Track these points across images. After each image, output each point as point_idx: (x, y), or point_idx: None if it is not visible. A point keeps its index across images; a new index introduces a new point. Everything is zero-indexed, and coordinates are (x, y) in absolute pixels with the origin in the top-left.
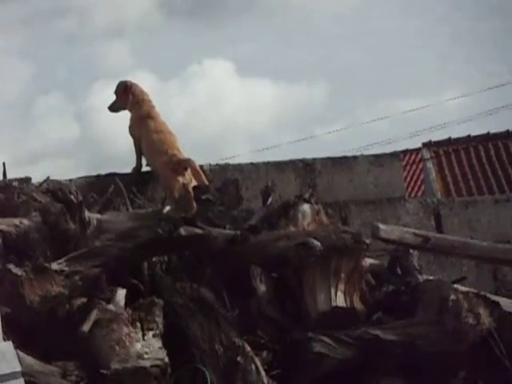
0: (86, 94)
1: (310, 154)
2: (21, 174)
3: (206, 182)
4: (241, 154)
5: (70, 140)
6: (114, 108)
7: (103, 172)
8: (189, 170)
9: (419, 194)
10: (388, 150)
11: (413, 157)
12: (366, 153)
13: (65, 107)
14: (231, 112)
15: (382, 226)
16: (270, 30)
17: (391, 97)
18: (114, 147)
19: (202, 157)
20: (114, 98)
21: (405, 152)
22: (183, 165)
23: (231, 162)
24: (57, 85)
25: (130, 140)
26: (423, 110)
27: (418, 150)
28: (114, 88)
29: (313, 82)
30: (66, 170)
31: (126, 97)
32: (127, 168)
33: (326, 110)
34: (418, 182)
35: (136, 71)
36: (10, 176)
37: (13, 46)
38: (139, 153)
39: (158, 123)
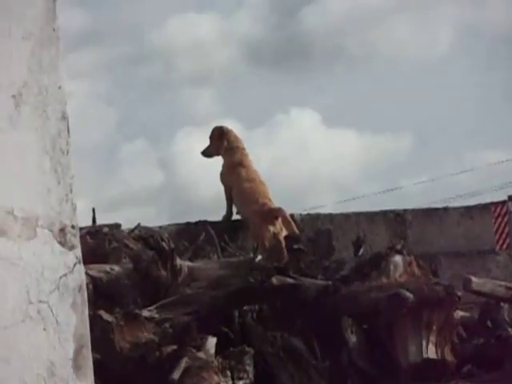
0: (171, 141)
1: (396, 205)
2: (105, 220)
3: (297, 232)
4: (327, 204)
5: (153, 187)
6: (207, 153)
7: (188, 219)
8: (280, 220)
9: (504, 246)
10: (472, 202)
11: (498, 210)
12: (450, 205)
13: (149, 154)
14: (317, 162)
15: (474, 279)
16: (356, 80)
17: (477, 149)
18: (196, 195)
19: (287, 206)
20: (201, 144)
21: (490, 204)
22: (274, 214)
23: (320, 211)
24: (141, 131)
25: (214, 188)
26: (509, 162)
27: (503, 203)
28: (199, 135)
29: (398, 133)
30: (150, 216)
31: (221, 142)
32: (210, 216)
33: (410, 162)
34: (504, 235)
35: (222, 119)
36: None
37: (98, 91)
38: (230, 200)
39: (251, 172)
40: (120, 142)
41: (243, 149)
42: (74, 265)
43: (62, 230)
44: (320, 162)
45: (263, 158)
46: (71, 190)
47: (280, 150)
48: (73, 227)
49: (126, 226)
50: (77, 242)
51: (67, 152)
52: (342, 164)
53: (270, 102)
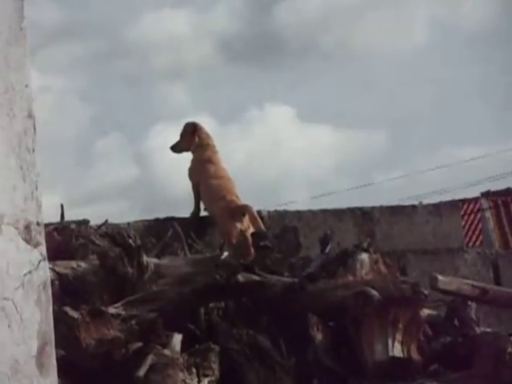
0: (146, 136)
1: (369, 201)
2: (78, 215)
3: (264, 229)
4: (299, 199)
5: (127, 181)
6: (176, 149)
7: (160, 215)
8: (247, 216)
9: (477, 243)
10: (446, 199)
11: (471, 206)
12: (424, 201)
13: (124, 148)
14: (291, 157)
15: (440, 277)
16: (331, 76)
17: (451, 146)
18: (171, 190)
19: (260, 201)
20: (175, 139)
21: (463, 201)
22: (241, 211)
23: (290, 207)
24: (116, 126)
25: (188, 183)
26: (482, 159)
27: (476, 200)
28: (173, 130)
29: (373, 129)
30: (123, 211)
31: (192, 139)
32: (184, 211)
33: (385, 157)
34: (476, 232)
35: (196, 114)
36: (67, 217)
37: (73, 86)
38: (197, 197)
39: (219, 169)
40: (95, 136)
41: (213, 146)
42: (39, 262)
43: (27, 227)
44: (294, 158)
45: (237, 153)
46: (36, 188)
47: (254, 146)
48: (38, 224)
49: (99, 221)
50: (42, 239)
51: (33, 150)
52: (317, 159)
53: (245, 98)
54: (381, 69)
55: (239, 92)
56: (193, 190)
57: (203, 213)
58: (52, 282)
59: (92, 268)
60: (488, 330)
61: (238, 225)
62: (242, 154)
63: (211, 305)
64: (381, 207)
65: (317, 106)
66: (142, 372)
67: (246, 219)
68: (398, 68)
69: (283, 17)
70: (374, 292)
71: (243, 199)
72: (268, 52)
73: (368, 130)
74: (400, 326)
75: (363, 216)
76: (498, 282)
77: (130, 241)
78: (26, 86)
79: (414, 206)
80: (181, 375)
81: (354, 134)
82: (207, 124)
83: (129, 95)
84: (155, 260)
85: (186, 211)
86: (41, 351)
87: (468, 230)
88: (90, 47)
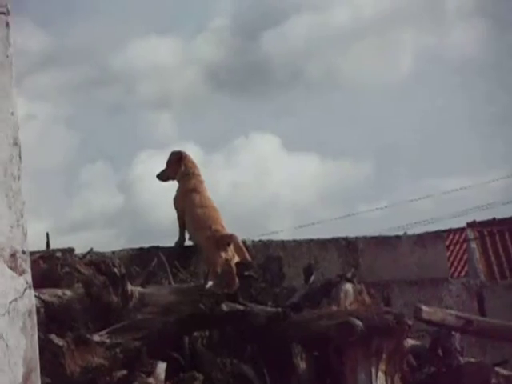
0: (131, 164)
1: (353, 231)
2: (64, 243)
3: (249, 259)
4: (284, 229)
5: (113, 210)
6: (162, 177)
7: (145, 243)
8: (232, 246)
9: (462, 273)
10: (431, 229)
11: (457, 236)
12: (409, 231)
13: (109, 176)
14: (276, 186)
15: (424, 308)
16: (316, 105)
17: (436, 176)
18: (156, 218)
19: (245, 230)
20: (160, 167)
21: (449, 231)
22: (226, 240)
23: (275, 237)
24: (102, 154)
25: (173, 212)
26: (468, 189)
27: (462, 230)
28: (158, 158)
29: (358, 159)
30: (108, 239)
31: (178, 167)
32: (169, 239)
33: (370, 187)
34: (462, 262)
35: (182, 142)
36: (53, 245)
37: (59, 114)
38: (183, 226)
39: (204, 198)
40: (81, 164)
41: (198, 175)
42: (25, 289)
43: (13, 256)
44: (279, 187)
45: (222, 182)
46: (22, 216)
47: (239, 175)
48: (23, 252)
49: (84, 249)
50: (27, 267)
51: (18, 178)
52: (302, 189)
53: (230, 126)
54: (366, 99)
55: (225, 121)
56: (178, 218)
57: (188, 242)
58: (37, 309)
59: (77, 296)
60: (472, 360)
61: (223, 254)
62: (227, 183)
63: (195, 334)
64: (365, 237)
65: (302, 135)
66: None
67: (231, 249)
68: (384, 98)
69: (270, 46)
70: (358, 322)
71: (228, 228)
72: (254, 81)
73: (353, 160)
74: (384, 355)
75: (347, 246)
76: (482, 313)
77: (115, 269)
78: (12, 114)
79: (398, 237)
80: None
81: (339, 164)
82: (193, 152)
83: (114, 123)
84: (140, 289)
85: (171, 240)
86: (26, 378)
87: (453, 261)
88: (76, 74)
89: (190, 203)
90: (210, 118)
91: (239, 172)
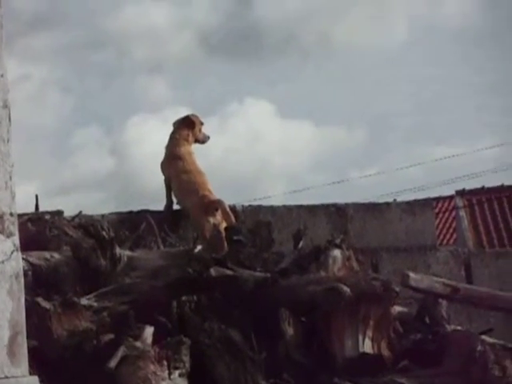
0: (124, 128)
1: (344, 198)
2: (53, 205)
3: (236, 223)
4: (275, 194)
5: (103, 173)
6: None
7: (134, 207)
8: (219, 211)
9: (451, 241)
10: (421, 196)
11: (446, 204)
12: (399, 199)
13: (102, 140)
14: (269, 152)
15: (411, 275)
16: (311, 71)
17: (427, 144)
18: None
19: (236, 195)
20: (154, 131)
21: (438, 199)
22: (214, 205)
23: (265, 202)
24: (95, 117)
25: (161, 176)
26: (458, 158)
27: (451, 198)
28: (152, 122)
29: (352, 126)
30: (98, 202)
31: (192, 132)
32: (159, 203)
33: (363, 154)
34: (451, 230)
35: (175, 106)
36: (42, 207)
37: (54, 76)
38: (169, 190)
39: (188, 163)
40: (74, 127)
41: (185, 139)
42: (12, 252)
43: (1, 218)
44: (273, 153)
45: (215, 146)
46: (10, 178)
47: (233, 140)
48: (11, 215)
49: (73, 212)
50: (15, 229)
51: (8, 140)
52: (295, 155)
53: (224, 91)
54: (361, 66)
55: (219, 85)
56: (164, 183)
57: (177, 206)
58: (25, 272)
59: (65, 259)
60: (458, 327)
61: (211, 219)
62: (220, 148)
63: (183, 298)
64: (355, 204)
65: (296, 101)
66: (113, 363)
67: (219, 214)
68: (378, 65)
69: (264, 10)
70: (346, 288)
71: (220, 193)
72: (248, 45)
73: (347, 127)
74: (371, 322)
75: (337, 212)
76: (469, 281)
77: (104, 233)
78: (2, 76)
79: (387, 204)
80: (152, 367)
81: (333, 131)
82: None
83: (108, 86)
84: (128, 252)
85: (161, 204)
86: (12, 341)
87: (442, 229)
88: (71, 37)
89: (174, 169)
90: (204, 83)
91: (232, 137)
